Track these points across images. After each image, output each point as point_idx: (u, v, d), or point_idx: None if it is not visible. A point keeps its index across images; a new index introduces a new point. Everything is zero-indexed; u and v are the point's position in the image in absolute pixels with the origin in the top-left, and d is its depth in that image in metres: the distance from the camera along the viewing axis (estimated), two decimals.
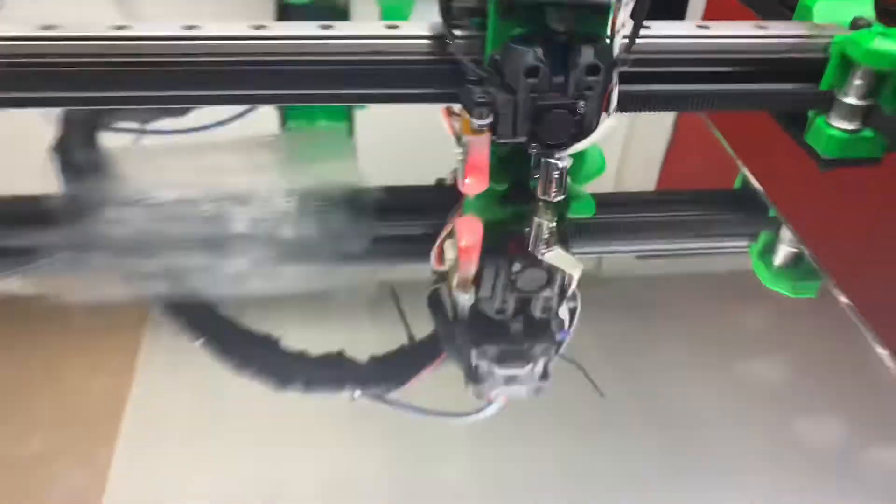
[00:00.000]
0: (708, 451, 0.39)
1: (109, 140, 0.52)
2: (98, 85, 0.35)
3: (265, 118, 0.55)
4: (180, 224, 0.40)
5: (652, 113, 0.57)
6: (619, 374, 0.41)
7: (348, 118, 0.57)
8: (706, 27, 0.39)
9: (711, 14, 0.56)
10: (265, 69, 0.35)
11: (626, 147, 0.61)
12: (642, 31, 0.37)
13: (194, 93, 0.36)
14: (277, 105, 0.51)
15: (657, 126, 0.61)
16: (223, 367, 0.40)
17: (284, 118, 0.56)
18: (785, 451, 0.38)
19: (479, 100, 0.34)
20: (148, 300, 0.41)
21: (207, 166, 0.43)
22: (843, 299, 0.42)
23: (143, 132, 0.53)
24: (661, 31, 0.38)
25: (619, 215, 0.47)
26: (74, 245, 0.39)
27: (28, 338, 0.42)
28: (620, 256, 0.50)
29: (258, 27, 0.35)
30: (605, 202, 0.46)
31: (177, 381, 0.41)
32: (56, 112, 0.50)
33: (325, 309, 0.44)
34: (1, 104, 0.39)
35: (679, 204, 0.50)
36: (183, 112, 0.56)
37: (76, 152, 0.47)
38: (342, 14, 0.66)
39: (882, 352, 0.40)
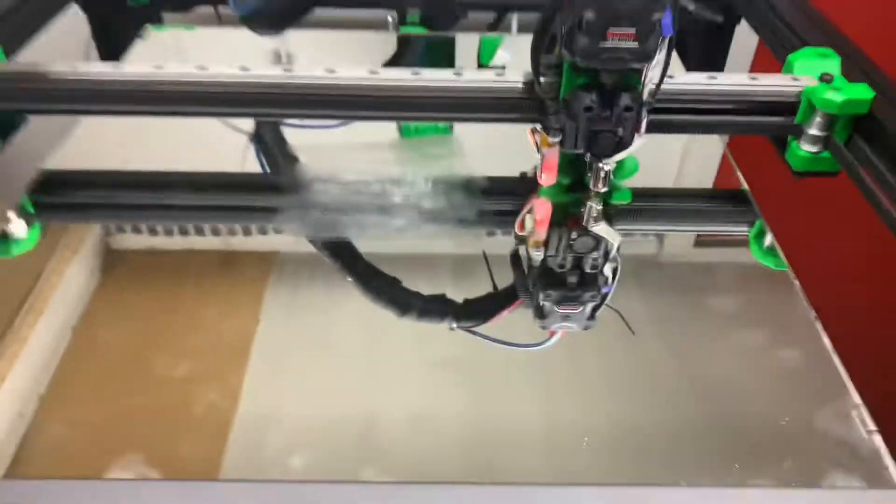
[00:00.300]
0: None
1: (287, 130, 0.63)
2: (274, 105, 0.52)
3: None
4: (361, 196, 0.55)
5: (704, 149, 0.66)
6: (662, 341, 0.46)
7: (450, 128, 0.69)
8: (714, 77, 0.53)
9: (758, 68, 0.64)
10: (378, 100, 0.52)
11: (683, 160, 0.69)
12: (667, 80, 0.52)
13: (336, 112, 0.52)
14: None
15: (710, 148, 0.68)
16: (335, 314, 0.47)
17: (401, 132, 0.67)
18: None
19: (555, 126, 0.47)
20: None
21: (369, 159, 0.59)
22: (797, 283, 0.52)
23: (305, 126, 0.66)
24: (680, 81, 0.53)
25: (649, 203, 0.58)
26: (300, 206, 0.53)
27: (174, 285, 0.47)
28: (679, 244, 0.57)
29: (373, 72, 0.51)
30: (640, 194, 0.52)
31: (294, 325, 0.45)
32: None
33: (436, 264, 0.53)
34: (219, 114, 0.55)
35: (697, 198, 0.62)
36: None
37: (269, 138, 0.62)
38: (450, 43, 0.78)
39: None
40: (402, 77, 0.52)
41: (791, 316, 0.49)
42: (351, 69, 0.51)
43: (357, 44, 0.76)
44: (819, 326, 0.48)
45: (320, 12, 0.76)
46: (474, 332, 0.44)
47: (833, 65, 0.54)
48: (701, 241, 0.57)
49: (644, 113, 0.47)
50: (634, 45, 0.42)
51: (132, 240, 0.52)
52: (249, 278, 0.47)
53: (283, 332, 0.44)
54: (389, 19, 0.77)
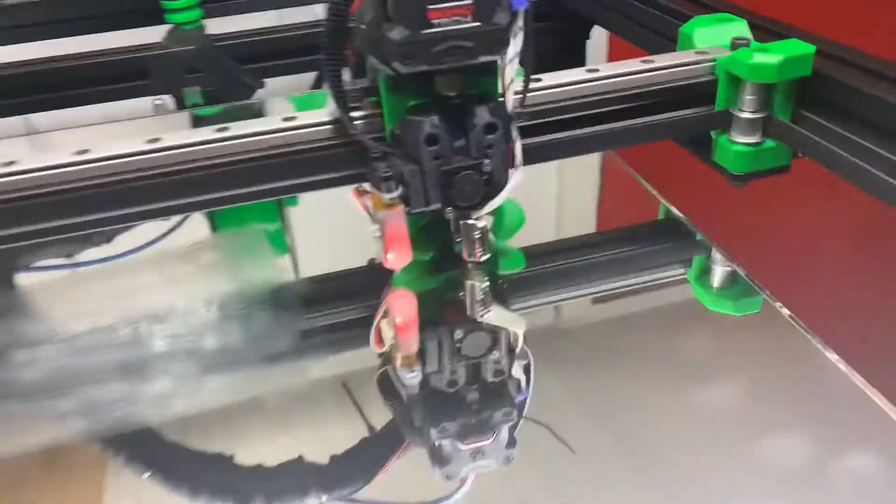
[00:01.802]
0: (691, 481, 0.38)
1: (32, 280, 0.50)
2: None
3: (196, 230, 0.55)
4: (96, 354, 0.38)
5: (578, 165, 0.58)
6: (593, 424, 0.40)
7: (280, 216, 0.57)
8: (595, 70, 0.40)
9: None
10: (164, 181, 0.35)
11: (561, 201, 0.61)
12: (534, 84, 0.37)
13: (91, 217, 0.35)
14: (183, 215, 0.50)
15: (586, 176, 0.63)
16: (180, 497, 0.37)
17: (214, 227, 0.55)
18: (760, 468, 0.38)
19: (385, 174, 0.33)
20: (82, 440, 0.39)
21: (124, 288, 0.42)
22: (786, 311, 0.42)
23: (70, 266, 0.51)
24: (551, 82, 0.39)
25: (551, 264, 0.46)
26: None
27: None
28: (576, 304, 0.49)
29: (152, 140, 0.35)
30: (538, 253, 0.46)
31: None
32: None
33: (279, 414, 0.42)
34: None
35: (611, 243, 0.49)
36: (108, 239, 0.55)
37: None
38: (257, 112, 0.66)
39: (832, 356, 0.40)
40: (117, 152, 0.35)
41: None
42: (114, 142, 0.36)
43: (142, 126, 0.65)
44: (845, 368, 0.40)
45: (59, 116, 0.65)
46: (356, 501, 0.37)
47: (740, 28, 0.42)
48: (598, 297, 0.49)
49: (515, 132, 0.35)
50: (475, 24, 0.32)
51: None
52: (82, 467, 0.39)
53: None
54: (155, 104, 0.63)
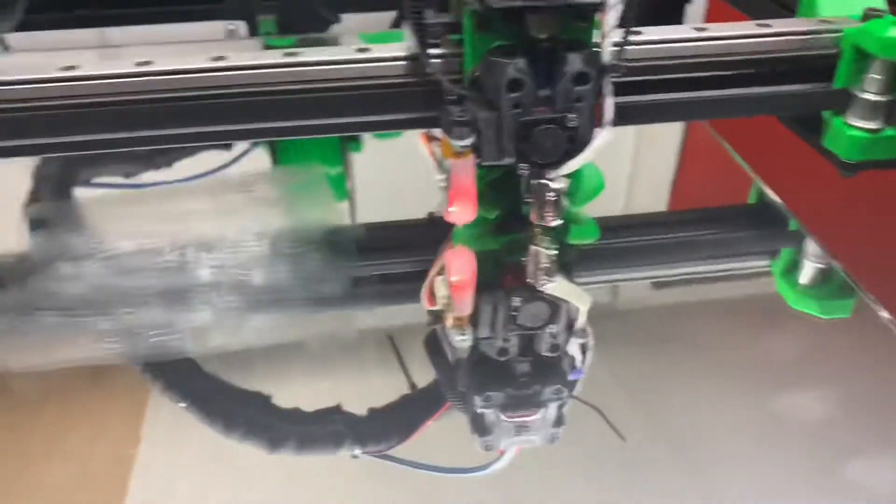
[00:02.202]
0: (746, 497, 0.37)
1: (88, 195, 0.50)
2: (45, 131, 0.33)
3: (258, 165, 0.54)
4: (140, 276, 0.37)
5: (658, 130, 0.54)
6: (641, 414, 0.39)
7: (342, 160, 0.55)
8: (704, 29, 0.37)
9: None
10: (225, 102, 0.33)
11: (634, 168, 0.59)
12: (634, 38, 0.34)
13: (148, 133, 0.33)
14: (246, 140, 0.49)
15: (664, 143, 0.60)
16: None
17: (275, 161, 0.54)
18: (836, 495, 0.35)
19: (458, 119, 0.31)
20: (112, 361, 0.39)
21: (177, 212, 0.41)
22: (885, 314, 0.39)
23: (128, 186, 0.51)
24: (654, 37, 0.36)
25: (627, 239, 0.44)
26: (21, 306, 0.36)
27: (31, 410, 0.41)
28: (636, 286, 0.48)
29: (217, 58, 0.33)
30: (612, 226, 0.43)
31: (185, 445, 0.40)
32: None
33: (321, 360, 0.42)
34: None
35: (691, 224, 0.47)
36: (168, 163, 0.54)
37: (45, 208, 0.45)
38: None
39: None
40: (180, 67, 0.33)
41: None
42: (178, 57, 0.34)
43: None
44: None
45: (131, 33, 0.64)
46: (390, 458, 0.37)
47: None
48: (660, 283, 0.48)
49: (608, 86, 0.32)
50: None
51: None
52: (126, 386, 0.41)
53: (170, 453, 0.39)
54: (228, 29, 0.61)
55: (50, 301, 0.37)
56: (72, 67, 0.32)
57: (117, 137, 0.33)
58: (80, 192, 0.50)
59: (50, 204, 0.45)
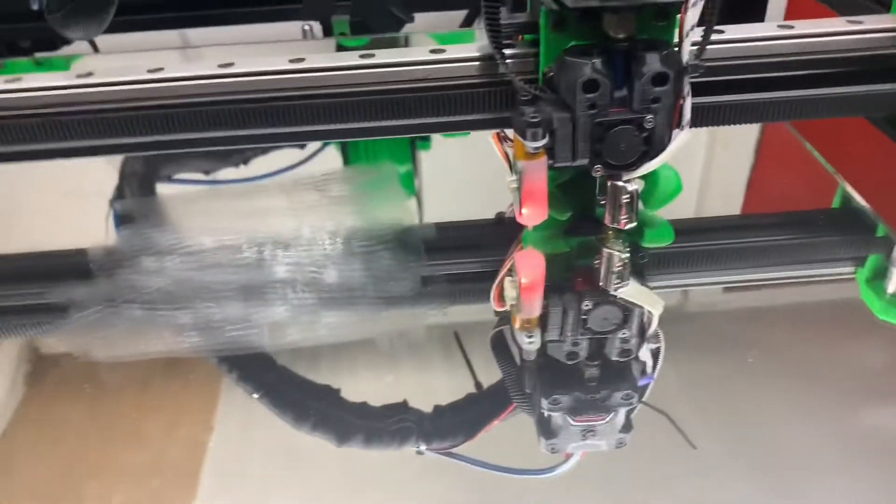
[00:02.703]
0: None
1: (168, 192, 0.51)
2: (134, 130, 0.34)
3: (329, 162, 0.55)
4: (217, 272, 0.38)
5: (733, 132, 0.52)
6: (710, 422, 0.38)
7: (412, 158, 0.55)
8: (789, 27, 0.35)
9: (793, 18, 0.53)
10: (303, 104, 0.33)
11: (707, 169, 0.57)
12: (715, 36, 0.33)
13: (229, 133, 0.34)
14: (320, 140, 0.50)
15: (740, 143, 0.57)
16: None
17: (346, 161, 0.54)
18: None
19: (532, 120, 0.30)
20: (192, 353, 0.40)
21: (254, 209, 0.42)
22: None
23: (207, 182, 0.52)
24: (736, 35, 0.34)
25: (702, 243, 0.43)
26: (107, 299, 0.38)
27: (113, 393, 0.42)
28: (706, 290, 0.46)
29: (296, 60, 0.34)
30: (686, 229, 0.42)
31: (255, 435, 0.40)
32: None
33: (388, 357, 0.43)
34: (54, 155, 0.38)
35: (771, 228, 0.45)
36: (245, 161, 0.56)
37: (131, 203, 0.47)
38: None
39: None
40: (260, 69, 0.34)
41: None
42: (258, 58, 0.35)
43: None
44: None
45: (211, 33, 0.66)
46: (454, 456, 0.36)
47: None
48: (731, 287, 0.46)
49: (687, 87, 0.31)
50: None
51: (66, 342, 0.45)
52: (200, 378, 0.42)
53: (240, 439, 0.39)
54: (304, 29, 0.62)
55: (135, 294, 0.38)
56: (159, 69, 0.33)
57: (200, 137, 0.34)
58: (162, 188, 0.51)
59: (135, 199, 0.46)
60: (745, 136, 0.58)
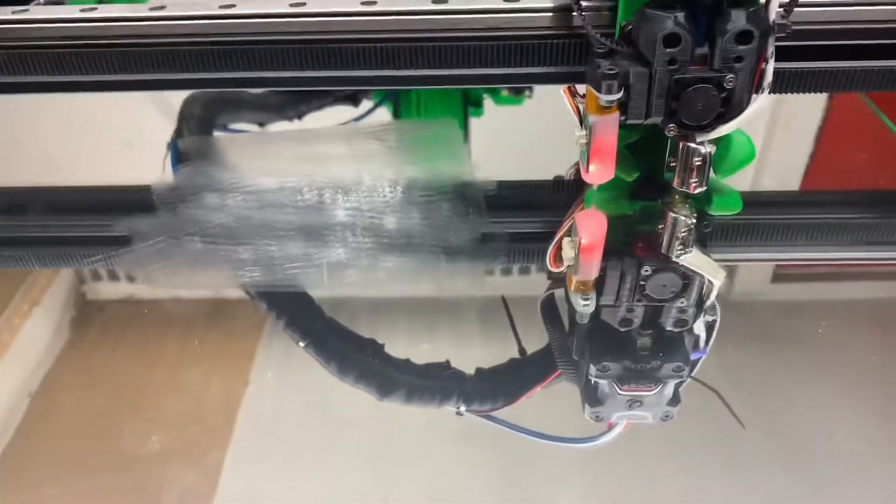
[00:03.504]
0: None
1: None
2: (203, 65, 0.34)
3: (382, 120, 0.55)
4: (278, 212, 0.39)
5: (796, 107, 0.51)
6: (751, 411, 0.38)
7: (464, 123, 0.55)
8: None
9: None
10: (372, 47, 0.33)
11: (764, 151, 0.55)
12: None
13: (298, 74, 0.34)
14: (387, 88, 0.49)
15: (804, 113, 0.56)
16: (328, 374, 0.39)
17: (396, 116, 0.54)
18: None
19: (608, 71, 0.29)
20: (254, 302, 0.41)
21: (313, 154, 0.42)
22: None
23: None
24: None
25: (766, 217, 0.42)
26: (170, 231, 0.38)
27: (154, 341, 0.44)
28: (753, 278, 0.46)
29: (368, 3, 0.33)
30: (750, 201, 0.41)
31: (289, 387, 0.42)
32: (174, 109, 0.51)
33: (434, 314, 0.43)
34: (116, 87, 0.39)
35: (839, 206, 0.43)
36: (299, 116, 0.56)
37: (191, 142, 0.47)
38: None
39: None
40: (330, 9, 0.33)
41: None
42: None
43: None
44: None
45: None
46: (493, 419, 0.37)
47: None
48: (780, 275, 0.46)
49: (771, 49, 0.30)
50: None
51: (110, 288, 0.49)
52: (240, 331, 0.44)
53: (275, 395, 0.41)
54: None
55: (196, 228, 0.39)
56: (230, 5, 0.33)
57: (269, 76, 0.34)
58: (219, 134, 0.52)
59: (196, 138, 0.47)
60: (808, 116, 0.56)
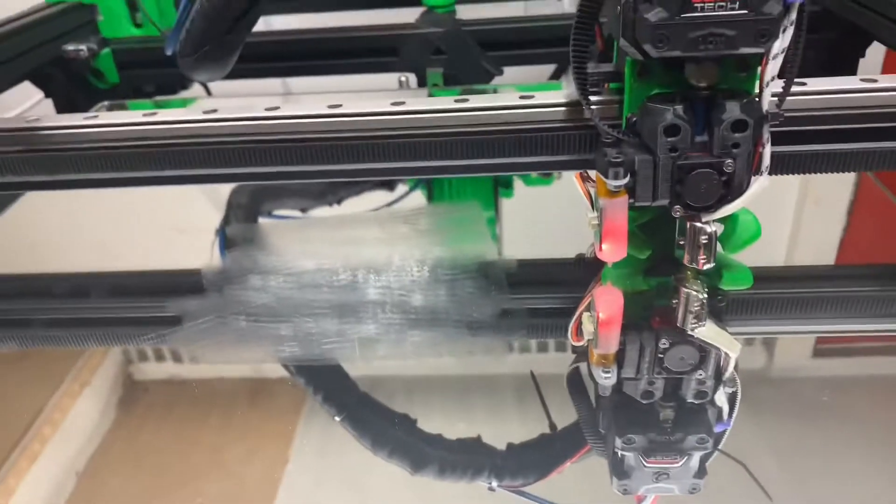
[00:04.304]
0: None
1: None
2: (251, 161, 0.37)
3: (418, 204, 0.57)
4: (315, 291, 0.40)
5: (826, 187, 0.51)
6: (792, 486, 0.37)
7: (495, 205, 0.57)
8: (872, 80, 0.35)
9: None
10: (402, 142, 0.36)
11: (795, 227, 0.56)
12: (797, 88, 0.34)
13: (335, 167, 0.37)
14: (418, 179, 0.51)
15: (834, 201, 0.57)
16: (364, 450, 0.39)
17: (430, 199, 0.56)
18: None
19: (615, 160, 0.32)
20: (299, 385, 0.42)
21: (348, 238, 0.45)
22: None
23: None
24: (818, 87, 0.35)
25: (785, 290, 0.42)
26: (217, 311, 0.40)
27: (197, 420, 0.44)
28: (794, 353, 0.45)
29: (398, 103, 0.36)
30: (765, 276, 0.42)
31: (328, 468, 0.41)
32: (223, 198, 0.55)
33: (464, 391, 0.43)
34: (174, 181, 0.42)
35: (859, 280, 0.44)
36: (338, 201, 0.59)
37: (239, 229, 0.50)
38: None
39: None
40: (365, 110, 0.37)
41: None
42: (363, 101, 0.39)
43: None
44: None
45: (310, 82, 0.70)
46: (525, 495, 0.36)
47: None
48: (822, 350, 0.45)
49: (766, 135, 0.32)
50: (741, 12, 0.29)
51: (156, 368, 0.49)
52: (280, 410, 0.44)
53: (315, 474, 0.40)
54: (400, 80, 0.65)
55: (241, 307, 0.41)
56: (275, 108, 0.37)
57: (310, 170, 0.38)
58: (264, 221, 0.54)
59: (243, 225, 0.50)
60: (838, 193, 0.56)
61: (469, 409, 0.42)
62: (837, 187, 0.56)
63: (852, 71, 0.58)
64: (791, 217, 0.56)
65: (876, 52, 0.60)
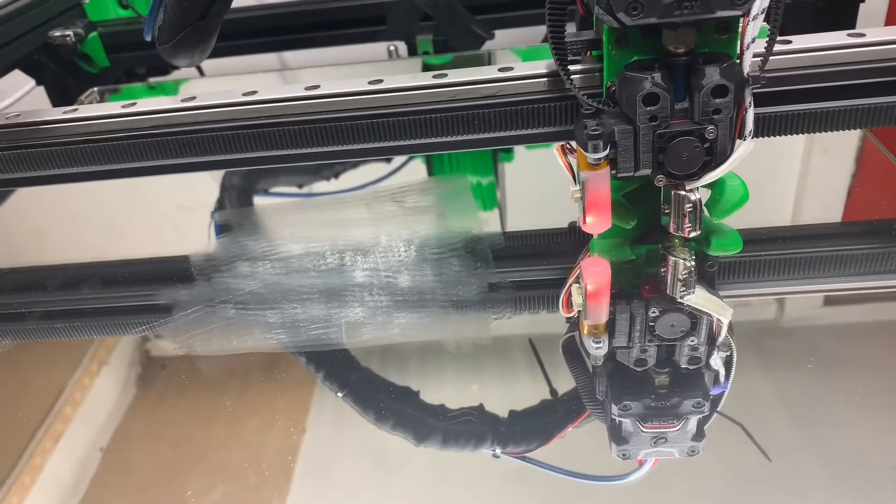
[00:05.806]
0: None
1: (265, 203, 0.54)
2: (231, 147, 0.37)
3: (414, 175, 0.56)
4: (302, 276, 0.40)
5: (832, 144, 0.50)
6: (800, 437, 0.36)
7: (495, 170, 0.56)
8: (860, 35, 0.34)
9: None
10: (379, 122, 0.36)
11: (802, 182, 0.54)
12: (781, 47, 0.33)
13: (315, 150, 0.37)
14: (407, 156, 0.50)
15: (839, 160, 0.55)
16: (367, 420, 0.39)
17: (430, 172, 0.56)
18: None
19: (593, 132, 0.31)
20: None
21: (337, 220, 0.44)
22: None
23: (299, 195, 0.55)
24: (803, 45, 0.34)
25: (774, 252, 0.41)
26: (206, 300, 0.41)
27: (215, 393, 0.44)
28: (805, 303, 0.44)
29: (374, 82, 0.36)
30: (757, 238, 0.41)
31: (345, 436, 0.41)
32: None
33: (464, 361, 0.43)
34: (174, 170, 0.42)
35: (847, 237, 0.43)
36: (335, 175, 0.58)
37: (230, 214, 0.50)
38: (483, 61, 0.65)
39: None
40: (342, 90, 0.36)
41: None
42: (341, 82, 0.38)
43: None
44: None
45: (306, 55, 0.69)
46: (528, 460, 0.36)
47: None
48: (832, 299, 0.43)
49: (749, 98, 0.31)
50: None
51: (172, 345, 0.48)
52: (296, 380, 0.43)
53: (332, 443, 0.40)
54: (389, 50, 0.64)
55: (230, 295, 0.41)
56: (253, 93, 0.37)
57: (290, 154, 0.37)
58: (259, 200, 0.54)
59: (234, 210, 0.49)
60: (845, 148, 0.55)
61: (471, 370, 0.42)
62: (846, 143, 0.55)
63: (852, 18, 0.56)
64: (796, 176, 0.55)
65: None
